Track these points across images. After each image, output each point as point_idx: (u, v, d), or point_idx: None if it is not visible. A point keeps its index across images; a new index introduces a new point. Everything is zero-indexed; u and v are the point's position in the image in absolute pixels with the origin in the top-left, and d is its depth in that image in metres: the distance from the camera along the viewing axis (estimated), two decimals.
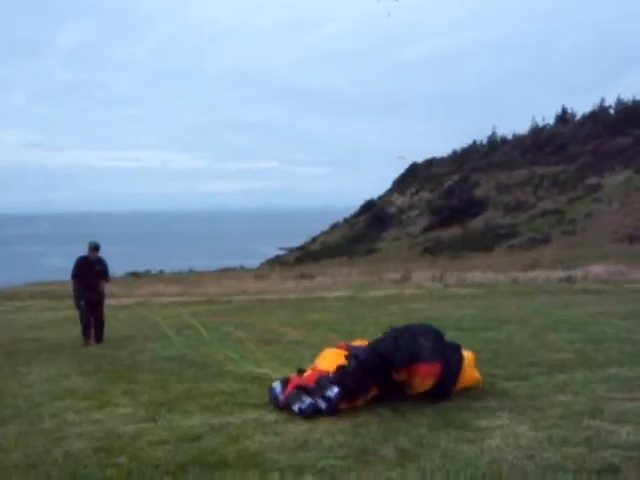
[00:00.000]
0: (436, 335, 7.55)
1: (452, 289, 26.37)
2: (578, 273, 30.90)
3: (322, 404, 6.79)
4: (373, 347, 7.39)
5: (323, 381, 6.97)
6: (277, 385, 7.35)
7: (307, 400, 6.86)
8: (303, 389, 7.01)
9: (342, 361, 7.24)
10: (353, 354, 7.28)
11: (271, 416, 6.82)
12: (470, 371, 7.79)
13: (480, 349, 10.44)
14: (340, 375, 6.99)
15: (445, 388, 7.29)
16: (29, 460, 5.68)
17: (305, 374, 7.35)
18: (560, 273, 31.42)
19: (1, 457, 5.80)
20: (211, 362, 10.30)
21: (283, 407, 6.98)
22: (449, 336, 10.40)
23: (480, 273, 33.92)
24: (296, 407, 6.84)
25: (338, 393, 6.81)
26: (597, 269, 32.92)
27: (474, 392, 7.49)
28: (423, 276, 34.16)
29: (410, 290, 26.60)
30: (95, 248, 13.78)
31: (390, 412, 6.75)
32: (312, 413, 6.72)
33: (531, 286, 26.14)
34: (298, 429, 6.27)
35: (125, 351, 12.20)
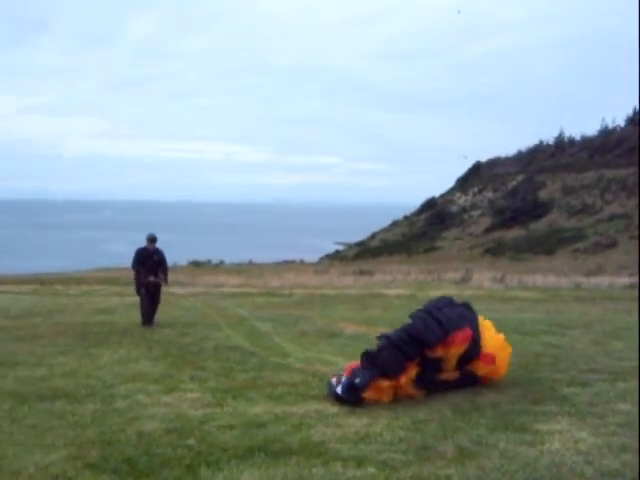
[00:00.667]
0: (451, 300, 8.29)
1: (513, 291, 26.12)
2: None
3: (357, 379, 7.22)
4: (403, 328, 7.74)
5: (356, 369, 7.40)
6: (334, 380, 7.61)
7: (343, 379, 7.36)
8: (339, 377, 7.50)
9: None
10: (383, 335, 7.70)
11: (332, 409, 7.02)
12: (493, 342, 8.11)
13: (541, 353, 10.49)
14: (368, 358, 7.38)
15: (476, 345, 7.72)
16: (104, 437, 6.01)
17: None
18: (625, 279, 30.77)
19: (78, 433, 6.15)
20: (274, 353, 10.57)
21: (337, 399, 7.27)
22: (511, 339, 10.52)
23: (542, 276, 33.47)
24: (338, 389, 7.30)
25: (373, 372, 7.23)
26: None
27: (534, 396, 7.54)
28: (484, 277, 33.88)
29: (470, 291, 26.45)
30: (152, 240, 14.74)
31: (450, 411, 6.87)
32: (348, 389, 7.18)
33: (595, 292, 25.70)
34: (359, 422, 6.46)
35: (190, 338, 12.59)
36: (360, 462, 5.27)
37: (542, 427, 6.26)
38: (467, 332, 7.62)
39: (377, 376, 7.24)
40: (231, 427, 6.29)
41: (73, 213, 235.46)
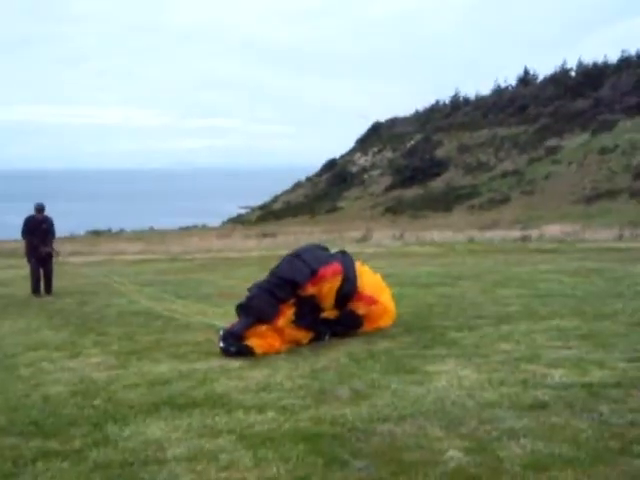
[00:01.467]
0: (322, 247, 8.96)
1: (411, 247, 27.04)
2: (534, 233, 31.80)
3: (234, 327, 7.79)
4: (272, 272, 8.19)
5: (235, 322, 7.94)
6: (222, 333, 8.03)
7: (222, 332, 7.85)
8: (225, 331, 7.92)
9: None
10: (254, 284, 8.13)
11: (235, 363, 7.30)
12: (373, 285, 8.79)
13: (434, 303, 11.10)
14: (242, 308, 7.87)
15: (350, 282, 8.21)
16: (10, 404, 6.08)
17: None
18: (517, 233, 32.32)
19: None
20: (176, 316, 10.71)
21: (224, 352, 7.71)
22: (407, 292, 11.04)
23: (439, 232, 34.65)
24: (220, 344, 7.76)
25: (248, 320, 7.71)
26: (553, 229, 33.91)
27: (425, 342, 8.06)
28: (384, 235, 34.80)
29: (370, 249, 27.17)
30: (40, 210, 14.65)
31: (346, 359, 7.28)
32: (224, 337, 7.73)
33: (487, 245, 26.93)
34: (261, 374, 6.77)
35: (91, 306, 12.54)
36: (261, 409, 5.58)
37: (430, 368, 6.75)
38: (336, 266, 8.08)
39: (253, 322, 7.61)
40: (136, 386, 6.47)
41: None
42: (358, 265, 8.74)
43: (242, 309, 7.86)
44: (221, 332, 7.89)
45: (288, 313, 7.80)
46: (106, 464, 4.55)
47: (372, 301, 8.51)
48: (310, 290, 7.88)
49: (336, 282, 8.00)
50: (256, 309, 7.69)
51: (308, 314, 7.97)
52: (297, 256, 8.15)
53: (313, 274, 7.84)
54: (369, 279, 8.73)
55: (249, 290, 8.11)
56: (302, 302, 7.91)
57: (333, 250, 9.14)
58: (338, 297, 8.12)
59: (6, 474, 4.47)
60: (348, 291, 8.16)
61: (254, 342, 7.57)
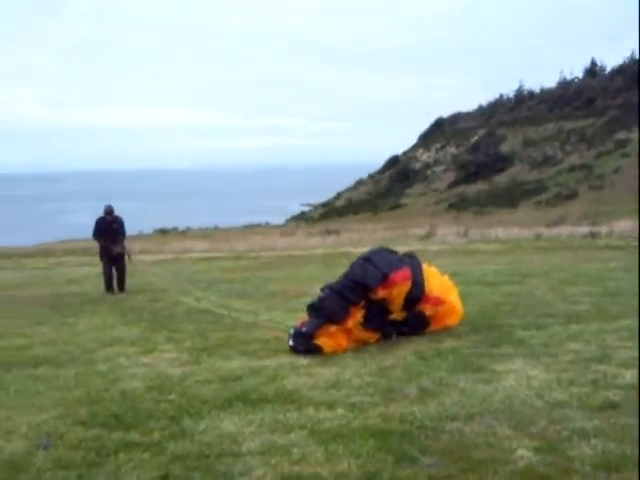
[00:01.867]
0: (392, 250, 8.86)
1: (476, 244, 26.81)
2: (603, 229, 31.09)
3: (302, 328, 7.88)
4: (344, 276, 8.28)
5: (305, 322, 8.02)
6: (288, 333, 8.21)
7: (291, 331, 8.01)
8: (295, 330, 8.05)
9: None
10: (327, 285, 8.19)
11: (304, 361, 7.44)
12: (437, 280, 8.79)
13: (501, 302, 11.03)
14: (313, 308, 7.95)
15: (419, 286, 8.27)
16: (90, 397, 6.36)
17: None
18: (585, 229, 31.66)
19: (66, 394, 6.49)
20: (243, 313, 10.94)
21: (293, 350, 7.87)
22: (473, 290, 11.01)
23: (505, 229, 34.24)
24: (290, 342, 7.92)
25: (318, 321, 7.80)
26: (622, 225, 33.03)
27: (492, 341, 8.04)
28: (448, 232, 34.58)
29: (435, 246, 27.05)
30: (109, 212, 15.25)
31: (414, 357, 7.34)
32: (295, 338, 7.85)
33: (555, 242, 26.49)
34: (329, 371, 6.89)
35: (162, 303, 12.93)
36: (331, 405, 5.70)
37: (498, 367, 6.75)
38: (406, 271, 8.15)
39: (323, 322, 7.73)
40: (209, 382, 6.68)
41: (27, 186, 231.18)
42: (425, 267, 8.77)
43: (313, 309, 7.99)
44: (291, 331, 8.03)
45: (358, 315, 7.92)
46: (184, 456, 4.73)
47: (439, 302, 8.56)
48: (380, 294, 7.98)
49: (405, 287, 8.09)
50: (327, 310, 7.82)
51: (376, 316, 8.07)
52: (368, 260, 8.23)
53: (384, 278, 7.94)
54: (436, 281, 8.76)
55: (322, 290, 8.21)
56: (372, 305, 8.02)
57: (401, 251, 9.19)
58: (407, 300, 8.19)
59: (90, 464, 4.70)
60: (416, 295, 8.23)
61: (323, 341, 7.71)
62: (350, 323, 7.83)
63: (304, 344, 7.73)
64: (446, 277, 9.18)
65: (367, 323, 8.00)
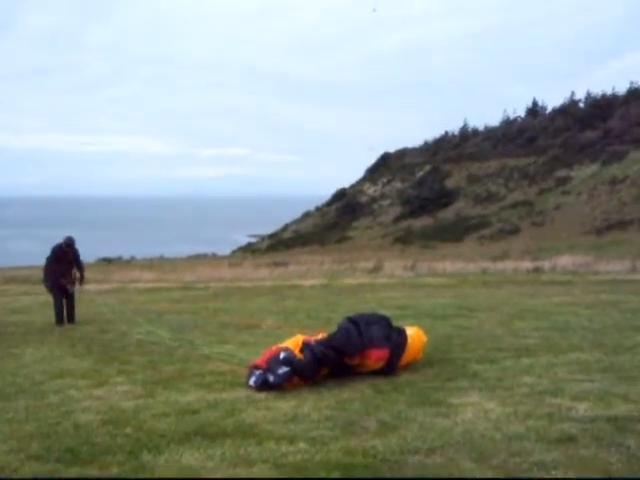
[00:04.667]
0: (385, 322, 8.62)
1: (424, 278, 27.06)
2: (546, 264, 31.76)
3: (271, 377, 7.61)
4: (328, 340, 8.19)
5: (273, 362, 7.78)
6: (248, 370, 8.08)
7: (257, 372, 7.75)
8: (255, 367, 7.89)
9: (296, 348, 8.03)
10: (308, 346, 8.04)
11: (261, 394, 7.39)
12: (416, 346, 8.77)
13: (452, 335, 11.16)
14: (290, 360, 7.77)
15: (391, 366, 8.25)
16: (42, 430, 6.18)
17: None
18: (529, 264, 32.29)
19: (16, 428, 6.29)
20: (196, 345, 10.81)
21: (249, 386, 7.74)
22: (424, 324, 11.11)
23: (451, 263, 34.66)
24: (251, 381, 7.73)
25: (288, 372, 7.64)
26: (565, 260, 33.83)
27: (447, 374, 8.13)
28: (395, 265, 34.83)
29: (383, 279, 27.26)
30: (68, 245, 14.78)
31: (371, 391, 7.37)
32: (261, 385, 7.58)
33: (500, 276, 26.94)
34: (287, 405, 6.86)
35: (112, 334, 12.66)
36: (291, 440, 5.66)
37: (455, 401, 6.82)
38: (383, 353, 8.09)
39: (291, 376, 7.67)
40: (166, 415, 6.57)
41: None
42: (413, 333, 8.80)
43: (285, 362, 7.80)
44: (256, 372, 7.78)
45: (325, 371, 7.95)
46: None
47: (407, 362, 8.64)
48: (355, 361, 8.03)
49: (377, 365, 8.11)
50: (301, 369, 7.70)
51: (341, 371, 8.10)
52: (356, 325, 8.16)
53: (362, 349, 7.96)
54: (415, 345, 8.76)
55: (301, 351, 8.00)
56: (341, 368, 8.05)
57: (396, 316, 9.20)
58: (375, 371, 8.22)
59: None
60: (386, 372, 8.22)
61: (285, 386, 7.62)
62: (310, 381, 7.80)
63: (263, 384, 7.62)
64: (422, 334, 9.14)
65: (330, 374, 8.02)
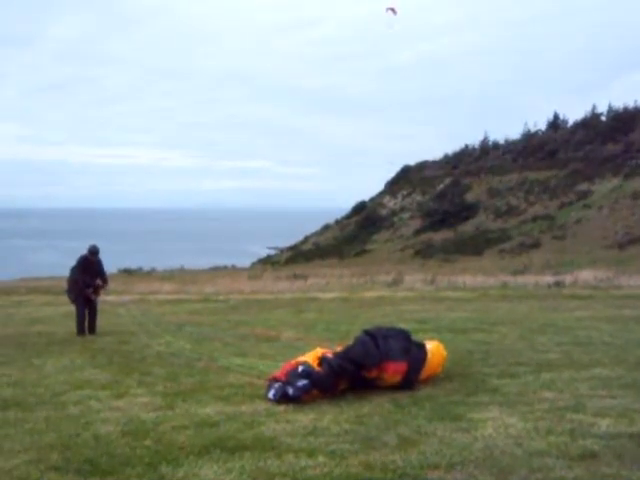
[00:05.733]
0: (404, 336, 8.57)
1: (444, 292, 26.96)
2: (567, 278, 31.52)
3: (290, 390, 7.58)
4: (345, 352, 8.16)
5: (292, 375, 7.76)
6: (267, 383, 8.07)
7: (277, 385, 7.72)
8: (274, 380, 7.87)
9: (314, 362, 8.02)
10: (326, 359, 8.02)
11: (280, 407, 7.38)
12: (436, 361, 8.71)
13: (473, 350, 11.09)
14: (309, 373, 7.76)
15: (410, 380, 8.19)
16: (62, 441, 6.21)
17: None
18: (549, 278, 32.05)
19: (36, 439, 6.33)
20: (216, 357, 10.83)
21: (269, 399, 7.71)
22: (445, 337, 11.07)
23: (471, 277, 34.52)
24: (270, 394, 7.70)
25: (307, 385, 7.61)
26: (586, 274, 33.56)
27: (467, 389, 8.08)
28: (415, 278, 34.76)
29: (402, 292, 27.19)
30: (94, 253, 14.95)
31: (391, 405, 7.33)
32: (280, 397, 7.55)
33: (521, 290, 26.76)
34: (307, 418, 6.84)
35: (132, 346, 12.73)
36: (311, 453, 5.64)
37: (475, 416, 6.77)
38: (401, 367, 8.05)
39: (311, 389, 7.66)
40: (185, 427, 6.57)
41: None
42: (431, 347, 8.77)
43: (305, 373, 7.80)
44: (275, 385, 7.77)
45: (343, 384, 7.94)
46: None
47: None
48: (373, 374, 8.01)
49: (394, 379, 8.07)
50: (319, 382, 7.69)
51: (360, 383, 8.08)
52: (374, 338, 8.16)
53: (380, 362, 7.94)
54: (435, 360, 8.73)
55: (319, 364, 8.00)
56: (359, 381, 8.04)
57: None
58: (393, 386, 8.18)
59: None
60: (404, 386, 8.18)
61: (304, 399, 7.60)
62: (330, 394, 7.78)
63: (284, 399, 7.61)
64: (442, 348, 9.10)
65: (349, 388, 8.01)
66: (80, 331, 14.50)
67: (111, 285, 17.07)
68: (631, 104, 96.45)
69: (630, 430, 6.11)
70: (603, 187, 74.63)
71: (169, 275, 53.41)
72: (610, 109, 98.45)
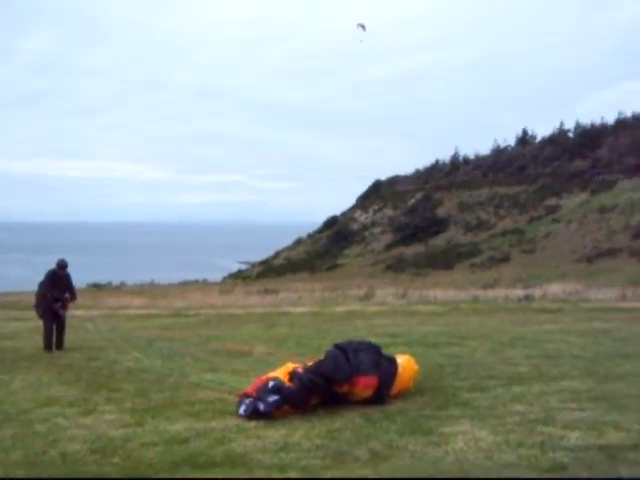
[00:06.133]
0: (374, 349, 8.57)
1: (415, 306, 27.05)
2: (536, 292, 31.85)
3: (261, 406, 7.53)
4: (316, 367, 8.14)
5: (262, 391, 7.73)
6: (238, 399, 8.02)
7: (247, 401, 7.67)
8: (245, 396, 7.83)
9: (285, 377, 7.99)
10: (296, 375, 7.99)
11: (251, 423, 7.32)
12: (407, 375, 8.72)
13: (444, 363, 11.12)
14: (280, 388, 7.73)
15: (381, 395, 8.18)
16: (29, 459, 6.10)
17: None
18: (519, 292, 32.35)
19: (3, 457, 6.21)
20: (186, 373, 10.73)
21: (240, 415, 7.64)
22: (416, 351, 11.07)
23: (442, 290, 34.72)
24: (241, 410, 7.65)
25: (278, 400, 7.59)
26: (555, 288, 33.96)
27: (439, 403, 8.10)
28: (386, 293, 34.84)
29: (374, 307, 27.23)
30: (62, 267, 14.73)
31: (362, 420, 7.31)
32: (251, 413, 7.50)
33: (491, 304, 26.95)
34: (278, 433, 6.80)
35: (100, 362, 12.56)
36: (282, 469, 5.61)
37: (446, 429, 6.78)
38: (372, 381, 8.05)
39: (282, 404, 7.62)
40: (154, 444, 6.49)
41: None
42: (401, 361, 8.76)
43: (275, 390, 7.75)
44: (246, 401, 7.72)
45: (315, 399, 7.90)
46: None
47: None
48: (344, 389, 7.99)
49: (365, 394, 8.06)
50: (290, 398, 7.67)
51: (331, 399, 8.05)
52: (345, 352, 8.15)
53: (351, 376, 7.94)
54: (404, 375, 8.72)
55: (290, 380, 7.97)
56: (331, 396, 8.01)
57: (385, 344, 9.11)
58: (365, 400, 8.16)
59: None
60: (376, 401, 8.16)
61: (274, 414, 7.56)
62: (301, 409, 7.75)
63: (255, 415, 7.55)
64: (413, 362, 9.11)
65: (320, 403, 7.97)
66: (47, 346, 14.28)
67: (79, 300, 16.86)
68: (598, 121, 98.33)
69: (599, 442, 6.16)
70: (571, 202, 75.63)
71: (139, 289, 52.85)
72: (577, 126, 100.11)
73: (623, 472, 5.31)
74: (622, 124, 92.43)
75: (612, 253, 56.13)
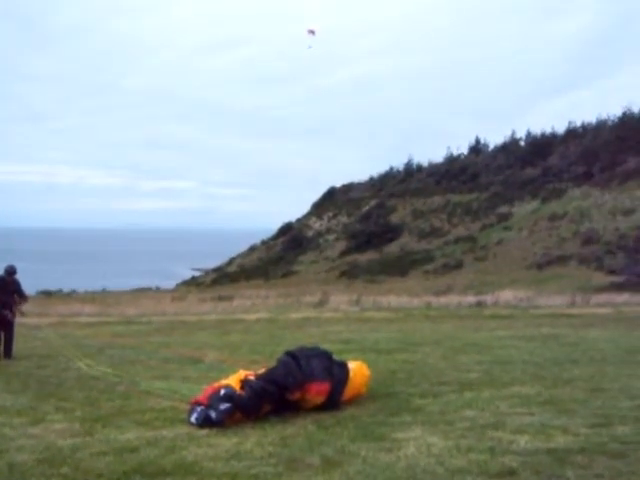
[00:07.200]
0: (326, 355, 8.60)
1: (368, 312, 27.20)
2: (488, 299, 32.33)
3: (212, 414, 7.48)
4: (267, 374, 8.15)
5: (214, 398, 7.68)
6: (189, 407, 7.95)
7: (199, 409, 7.61)
8: (196, 404, 7.77)
9: (237, 384, 7.97)
10: (248, 383, 7.97)
11: (202, 431, 7.26)
12: (359, 380, 8.77)
13: (396, 369, 11.20)
14: (231, 396, 7.70)
15: (334, 400, 8.21)
16: None
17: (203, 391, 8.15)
18: (472, 298, 32.80)
19: None
20: (137, 381, 10.59)
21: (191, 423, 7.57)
22: (369, 358, 11.12)
23: (395, 297, 34.97)
24: (192, 418, 7.59)
25: (229, 408, 7.55)
26: (506, 295, 34.51)
27: (391, 409, 8.15)
28: (340, 299, 34.95)
29: (328, 313, 27.30)
30: (10, 273, 14.58)
31: (314, 426, 7.31)
32: (203, 421, 7.43)
33: (444, 311, 27.27)
34: (230, 442, 6.75)
35: (50, 370, 12.34)
36: (233, 477, 5.56)
37: (398, 435, 6.82)
38: (324, 387, 8.07)
39: (234, 411, 7.58)
40: (104, 453, 6.38)
41: None
42: (353, 367, 8.76)
43: (226, 398, 7.69)
44: (198, 408, 7.65)
45: (267, 407, 7.87)
46: None
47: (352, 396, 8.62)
48: (296, 395, 7.99)
49: (317, 400, 8.07)
50: (242, 405, 7.62)
51: (283, 408, 8.02)
52: (296, 359, 8.15)
53: (302, 383, 7.94)
54: (357, 380, 8.74)
55: (244, 385, 7.93)
56: (283, 403, 7.98)
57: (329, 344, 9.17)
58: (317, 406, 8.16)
59: None
60: (327, 405, 8.18)
61: (226, 422, 7.51)
62: (253, 417, 7.71)
63: (204, 421, 7.49)
64: (365, 368, 9.14)
65: (272, 411, 7.94)
66: None
67: (29, 307, 16.56)
68: (548, 130, 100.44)
69: (548, 446, 6.27)
70: (522, 209, 76.98)
71: (90, 297, 52.07)
72: (529, 135, 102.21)
73: (571, 475, 5.41)
74: (572, 133, 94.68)
75: (562, 260, 57.25)
